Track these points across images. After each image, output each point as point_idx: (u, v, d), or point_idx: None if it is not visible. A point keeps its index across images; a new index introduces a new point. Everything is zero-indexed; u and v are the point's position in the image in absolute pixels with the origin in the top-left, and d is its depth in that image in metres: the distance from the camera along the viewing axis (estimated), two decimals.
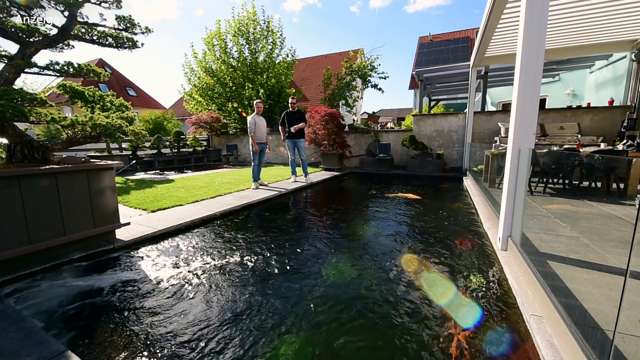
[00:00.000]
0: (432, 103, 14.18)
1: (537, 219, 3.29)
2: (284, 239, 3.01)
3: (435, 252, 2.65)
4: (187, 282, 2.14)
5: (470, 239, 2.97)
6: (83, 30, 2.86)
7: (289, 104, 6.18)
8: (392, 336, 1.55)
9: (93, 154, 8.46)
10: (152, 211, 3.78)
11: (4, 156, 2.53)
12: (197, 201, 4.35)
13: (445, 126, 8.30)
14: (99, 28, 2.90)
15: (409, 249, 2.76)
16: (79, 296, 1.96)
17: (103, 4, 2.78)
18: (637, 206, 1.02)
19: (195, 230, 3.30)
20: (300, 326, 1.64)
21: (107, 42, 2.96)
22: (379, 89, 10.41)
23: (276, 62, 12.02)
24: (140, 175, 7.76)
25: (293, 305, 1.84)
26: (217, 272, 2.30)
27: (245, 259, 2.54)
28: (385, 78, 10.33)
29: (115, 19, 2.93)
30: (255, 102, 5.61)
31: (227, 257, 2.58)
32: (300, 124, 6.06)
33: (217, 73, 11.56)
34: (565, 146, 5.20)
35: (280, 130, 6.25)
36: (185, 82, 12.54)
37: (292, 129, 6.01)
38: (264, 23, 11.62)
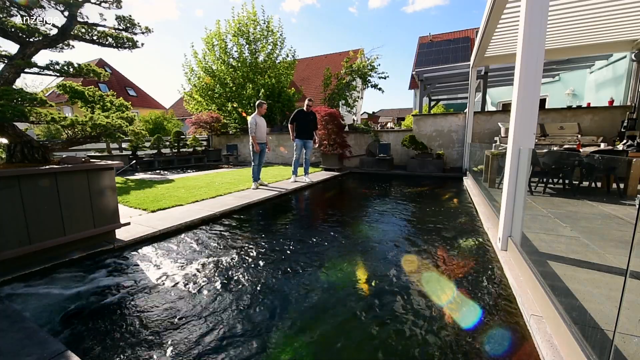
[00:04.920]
0: (432, 103, 14.18)
1: (537, 219, 3.29)
2: (283, 239, 3.01)
3: (435, 251, 2.65)
4: (188, 282, 2.13)
5: (470, 238, 2.97)
6: (83, 30, 2.86)
7: (305, 106, 6.24)
8: (387, 335, 1.55)
9: (93, 154, 8.46)
10: (152, 211, 3.78)
11: (4, 156, 2.53)
12: (197, 201, 4.35)
13: (445, 126, 8.30)
14: (99, 28, 2.90)
15: (408, 248, 2.76)
16: (79, 296, 1.95)
17: (103, 4, 2.78)
18: (637, 206, 1.02)
19: (195, 230, 3.30)
20: (299, 324, 1.64)
21: (107, 42, 2.96)
22: (379, 89, 10.41)
23: (276, 62, 12.02)
24: (140, 175, 7.76)
25: (293, 303, 1.84)
26: (217, 271, 2.30)
27: (245, 258, 2.54)
28: (385, 78, 10.33)
29: (115, 19, 2.93)
30: (259, 102, 5.59)
31: (227, 256, 2.58)
32: (318, 132, 6.74)
33: (217, 73, 11.55)
34: (565, 146, 5.19)
35: (289, 127, 6.29)
36: (185, 82, 12.55)
37: (315, 144, 6.55)
38: (264, 23, 11.61)
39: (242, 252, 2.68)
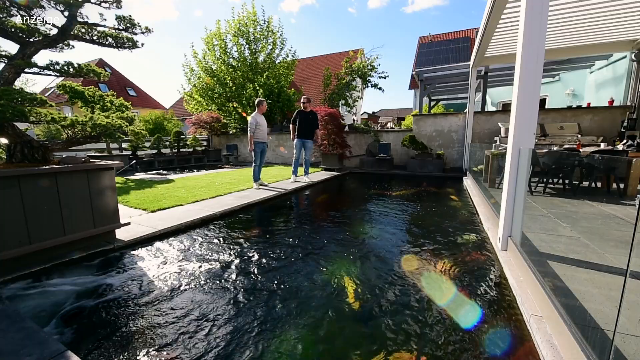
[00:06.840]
0: (432, 103, 14.19)
1: (537, 219, 3.29)
2: (283, 239, 3.01)
3: (435, 251, 2.65)
4: (187, 282, 2.13)
5: (470, 239, 2.97)
6: (83, 30, 2.86)
7: (302, 104, 6.26)
8: (384, 335, 1.55)
9: (93, 154, 8.45)
10: (152, 211, 3.78)
11: (4, 156, 2.53)
12: (197, 201, 4.35)
13: (445, 126, 8.30)
14: (99, 28, 2.90)
15: (408, 248, 2.76)
16: (78, 296, 1.95)
17: (103, 4, 2.78)
18: (637, 206, 1.02)
19: (195, 230, 3.30)
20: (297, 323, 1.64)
21: (107, 42, 2.96)
22: (379, 89, 10.40)
23: (276, 62, 12.02)
24: (140, 175, 7.75)
25: (292, 302, 1.84)
26: (218, 271, 2.30)
27: (244, 258, 2.54)
28: (385, 78, 10.32)
29: (115, 19, 2.93)
30: (258, 100, 5.56)
31: (227, 256, 2.58)
32: (318, 132, 6.77)
33: (217, 73, 11.55)
34: (565, 146, 5.19)
35: (290, 128, 6.37)
36: (185, 82, 12.55)
37: (317, 141, 6.59)
38: (264, 23, 11.62)
39: (242, 252, 2.68)
